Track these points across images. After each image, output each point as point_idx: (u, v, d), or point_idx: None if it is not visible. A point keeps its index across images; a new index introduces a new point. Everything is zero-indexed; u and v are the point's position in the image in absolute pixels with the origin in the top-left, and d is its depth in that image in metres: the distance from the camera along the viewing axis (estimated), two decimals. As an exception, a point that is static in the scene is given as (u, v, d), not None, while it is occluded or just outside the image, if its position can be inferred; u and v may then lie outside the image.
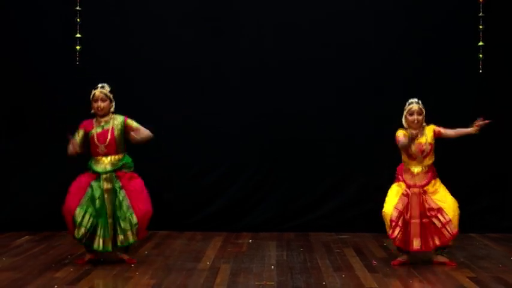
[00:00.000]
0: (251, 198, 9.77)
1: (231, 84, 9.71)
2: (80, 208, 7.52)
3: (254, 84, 9.68)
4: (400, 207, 7.55)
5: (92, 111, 7.70)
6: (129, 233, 7.55)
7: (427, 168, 7.64)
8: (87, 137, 7.68)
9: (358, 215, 9.65)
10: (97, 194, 7.56)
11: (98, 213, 7.52)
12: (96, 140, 7.63)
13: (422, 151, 7.61)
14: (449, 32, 9.60)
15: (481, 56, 9.42)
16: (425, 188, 7.60)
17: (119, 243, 7.56)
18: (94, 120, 7.71)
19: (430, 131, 7.66)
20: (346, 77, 9.66)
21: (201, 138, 9.68)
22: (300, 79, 9.69)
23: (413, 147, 7.59)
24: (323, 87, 9.68)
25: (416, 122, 7.58)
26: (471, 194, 9.45)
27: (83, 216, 7.51)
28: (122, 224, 7.54)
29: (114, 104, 7.72)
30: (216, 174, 9.74)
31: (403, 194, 7.59)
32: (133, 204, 7.58)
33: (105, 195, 7.54)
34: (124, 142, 7.74)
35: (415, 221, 7.52)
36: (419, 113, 7.60)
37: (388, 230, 7.60)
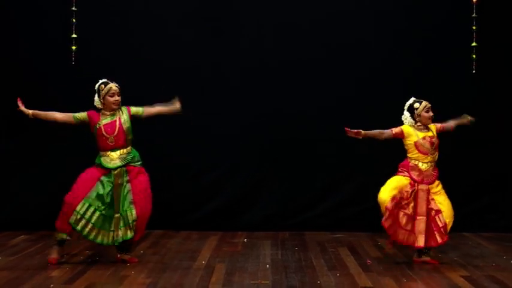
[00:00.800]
0: (246, 198, 9.79)
1: (230, 84, 9.73)
2: (85, 200, 7.51)
3: (253, 84, 9.71)
4: (398, 197, 7.61)
5: (96, 105, 7.69)
6: (127, 227, 7.56)
7: (434, 165, 7.72)
8: (86, 126, 7.66)
9: (353, 215, 9.69)
10: (108, 189, 7.56)
11: (108, 209, 7.54)
12: (104, 131, 7.61)
13: (432, 143, 7.70)
14: (447, 33, 9.63)
15: (474, 56, 9.47)
16: (429, 187, 7.66)
17: (116, 239, 7.55)
18: (100, 114, 7.70)
19: (433, 127, 7.79)
20: (345, 77, 9.69)
21: (199, 138, 9.69)
22: (300, 79, 9.71)
23: (424, 142, 7.67)
24: (322, 87, 9.70)
25: (431, 118, 7.76)
26: (464, 194, 9.49)
27: (87, 209, 7.50)
28: (123, 220, 7.56)
29: None
30: (212, 174, 9.77)
31: (405, 190, 7.64)
32: (136, 201, 7.59)
33: (115, 191, 7.56)
34: (132, 134, 7.73)
35: (421, 218, 7.60)
36: (432, 109, 7.78)
37: (383, 215, 7.65)
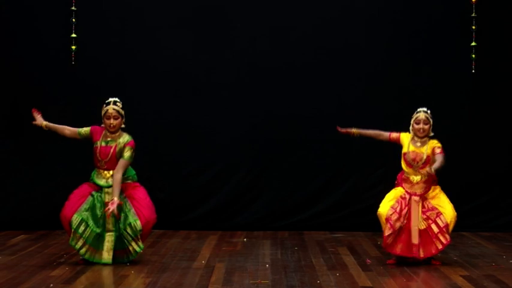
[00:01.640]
0: (245, 197, 9.80)
1: (224, 86, 9.74)
2: (78, 215, 7.44)
3: (247, 87, 9.73)
4: (396, 207, 7.58)
5: (102, 125, 7.61)
6: (135, 240, 7.48)
7: (425, 178, 7.57)
8: (90, 140, 7.65)
9: (352, 214, 9.70)
10: (98, 204, 7.51)
11: (97, 225, 7.46)
12: (98, 154, 7.57)
13: (416, 161, 7.55)
14: (447, 32, 9.63)
15: (473, 56, 9.48)
16: (425, 195, 7.63)
17: (126, 258, 7.51)
18: (103, 132, 7.61)
19: (431, 145, 7.58)
20: (338, 79, 9.70)
21: (195, 139, 9.71)
22: (293, 82, 9.73)
23: (410, 155, 7.60)
24: (315, 90, 9.72)
25: (422, 131, 7.56)
26: (464, 193, 9.51)
27: (79, 224, 7.42)
28: (129, 233, 7.47)
29: (124, 120, 7.61)
30: (211, 174, 9.78)
31: (401, 196, 7.60)
32: (138, 212, 7.51)
33: (106, 209, 7.39)
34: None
35: (415, 228, 7.53)
36: (426, 122, 7.56)
37: (383, 229, 7.60)
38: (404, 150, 7.63)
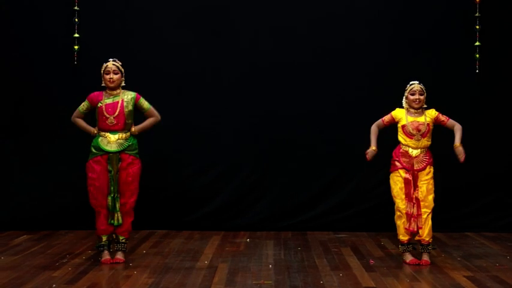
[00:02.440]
0: (248, 197, 9.80)
1: (228, 86, 9.73)
2: (110, 197, 7.56)
3: (250, 87, 9.71)
4: (408, 191, 7.62)
5: (102, 84, 7.64)
6: (117, 214, 7.61)
7: (425, 151, 7.67)
8: (94, 110, 7.64)
9: (356, 214, 9.69)
10: (112, 173, 7.57)
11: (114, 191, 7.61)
12: (104, 111, 7.57)
13: (419, 130, 7.65)
14: (451, 32, 9.61)
15: (477, 55, 9.47)
16: (418, 174, 7.63)
17: (116, 221, 7.61)
18: (104, 92, 7.66)
19: (430, 114, 7.71)
20: (341, 79, 9.67)
21: (198, 139, 9.70)
22: (296, 81, 9.70)
23: (409, 125, 7.64)
24: (319, 89, 9.70)
25: (418, 101, 7.67)
26: (467, 194, 9.51)
27: (113, 203, 7.57)
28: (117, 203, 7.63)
29: (124, 78, 7.69)
30: (213, 174, 9.77)
31: (405, 182, 7.63)
32: (121, 191, 7.61)
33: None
34: (132, 119, 7.70)
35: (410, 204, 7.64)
36: (421, 93, 7.68)
37: (406, 224, 7.63)
38: (403, 122, 7.71)
